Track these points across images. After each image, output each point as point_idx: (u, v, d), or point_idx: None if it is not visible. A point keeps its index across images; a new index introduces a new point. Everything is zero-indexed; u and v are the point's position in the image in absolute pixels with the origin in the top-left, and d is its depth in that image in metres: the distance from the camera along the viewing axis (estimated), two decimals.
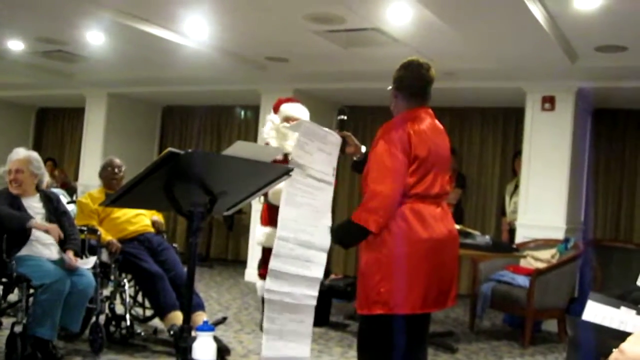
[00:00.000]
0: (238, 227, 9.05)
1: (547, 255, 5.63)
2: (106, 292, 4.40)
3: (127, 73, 7.88)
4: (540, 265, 5.49)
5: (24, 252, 3.83)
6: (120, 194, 2.11)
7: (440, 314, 6.14)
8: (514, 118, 7.50)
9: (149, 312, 4.79)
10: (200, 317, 3.98)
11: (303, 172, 2.59)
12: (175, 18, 5.38)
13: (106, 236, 4.35)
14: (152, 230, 4.68)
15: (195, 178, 2.11)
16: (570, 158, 6.12)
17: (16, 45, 6.81)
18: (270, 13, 5.06)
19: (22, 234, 3.82)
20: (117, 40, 6.24)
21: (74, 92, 9.04)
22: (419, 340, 2.83)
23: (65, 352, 3.98)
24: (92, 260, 4.09)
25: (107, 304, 4.34)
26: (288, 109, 4.98)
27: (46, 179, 4.24)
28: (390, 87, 2.91)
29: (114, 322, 4.36)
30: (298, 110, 4.97)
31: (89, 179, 8.48)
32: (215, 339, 2.45)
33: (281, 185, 2.58)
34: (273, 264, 2.57)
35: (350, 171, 3.27)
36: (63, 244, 3.98)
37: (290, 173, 2.46)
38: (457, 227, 4.92)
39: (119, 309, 4.45)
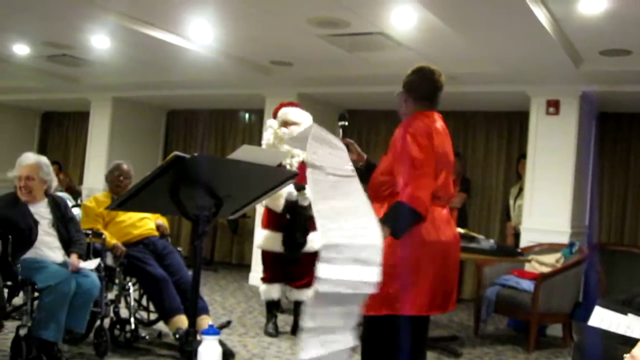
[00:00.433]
0: (242, 231, 9.05)
1: (552, 260, 5.62)
2: (111, 295, 4.40)
3: (132, 77, 7.90)
4: (545, 269, 5.48)
5: (28, 255, 3.84)
6: (126, 197, 2.12)
7: (444, 318, 6.13)
8: (518, 122, 7.49)
9: (153, 316, 4.79)
10: (205, 321, 3.99)
11: (322, 172, 2.46)
12: (180, 22, 5.40)
13: (111, 240, 4.36)
14: (156, 234, 4.68)
15: (201, 182, 2.12)
16: (575, 162, 6.10)
17: (22, 49, 6.83)
18: (274, 17, 5.07)
19: (27, 238, 3.83)
20: (122, 44, 6.26)
21: (79, 96, 9.07)
22: (421, 343, 2.83)
23: (70, 355, 3.99)
24: (95, 261, 4.08)
25: (111, 308, 4.34)
26: (286, 112, 5.00)
27: (55, 184, 4.22)
28: (397, 93, 2.93)
29: (118, 326, 4.37)
30: (296, 114, 4.98)
31: (93, 182, 8.50)
32: (220, 342, 2.45)
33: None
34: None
35: None
36: (68, 248, 3.99)
37: (309, 175, 2.27)
38: (461, 230, 4.95)
39: (124, 312, 4.45)
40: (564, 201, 6.08)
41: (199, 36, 5.77)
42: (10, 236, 3.76)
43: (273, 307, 5.20)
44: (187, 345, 2.17)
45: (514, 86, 6.29)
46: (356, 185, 2.43)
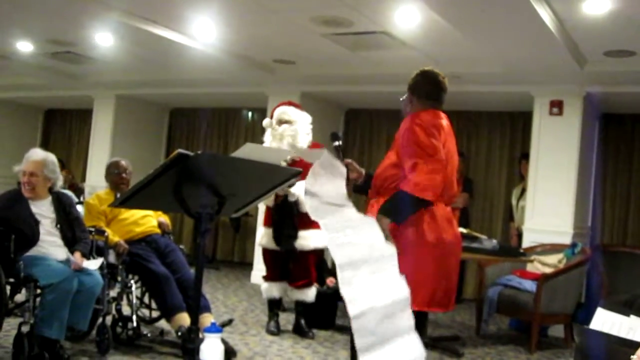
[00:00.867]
0: (244, 229, 9.06)
1: (554, 260, 5.61)
2: (113, 293, 4.40)
3: (135, 75, 7.91)
4: (547, 270, 5.47)
5: (31, 252, 3.83)
6: (129, 194, 2.12)
7: (446, 318, 6.13)
8: (521, 122, 7.48)
9: (155, 314, 4.80)
10: (207, 319, 3.99)
11: (320, 199, 2.51)
12: (184, 20, 5.40)
13: (114, 237, 4.36)
14: (158, 231, 4.69)
15: (204, 180, 2.12)
16: (578, 162, 6.09)
17: (25, 47, 6.84)
18: (278, 15, 5.07)
19: (28, 238, 3.83)
20: (125, 42, 6.26)
21: (82, 93, 9.07)
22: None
23: (72, 352, 3.99)
24: (97, 262, 4.06)
25: (113, 305, 4.34)
26: (282, 111, 5.01)
27: (60, 182, 4.18)
28: (402, 98, 2.97)
29: (120, 323, 4.37)
30: (291, 113, 5.00)
31: (96, 180, 8.49)
32: (222, 340, 2.45)
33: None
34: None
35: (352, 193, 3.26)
36: (72, 246, 3.99)
37: (306, 198, 2.30)
38: (464, 230, 4.95)
39: (126, 310, 4.45)
40: (567, 201, 6.07)
41: (203, 34, 5.77)
42: (12, 234, 3.76)
43: (274, 306, 5.21)
44: (189, 343, 2.17)
45: (518, 86, 6.28)
46: (353, 212, 2.48)
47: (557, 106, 6.17)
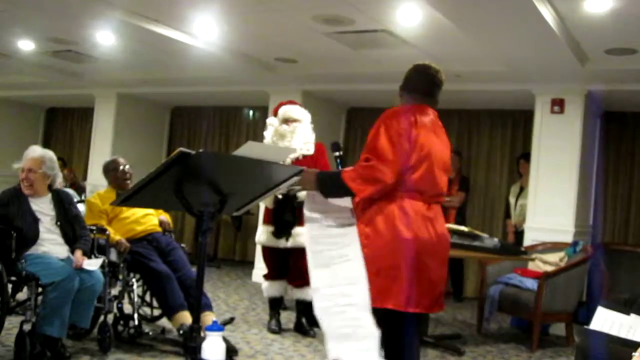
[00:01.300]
0: (246, 228, 9.06)
1: (556, 259, 5.61)
2: (114, 291, 4.40)
3: (137, 73, 7.91)
4: (549, 268, 5.47)
5: (32, 250, 3.84)
6: (131, 193, 2.12)
7: (447, 317, 6.14)
8: (522, 121, 7.47)
9: (156, 312, 4.81)
10: (208, 317, 3.99)
11: (321, 225, 2.57)
12: (185, 19, 5.40)
13: (115, 236, 4.36)
14: (160, 230, 4.69)
15: (205, 178, 2.12)
16: (580, 161, 6.08)
17: (27, 45, 6.84)
18: (279, 14, 5.07)
19: (28, 236, 3.83)
20: (126, 41, 6.26)
21: (83, 92, 9.08)
22: (398, 339, 2.79)
23: (73, 350, 3.99)
24: (98, 261, 4.05)
25: (115, 304, 4.34)
26: (288, 110, 5.00)
27: (59, 179, 4.18)
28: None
29: (122, 322, 4.37)
30: (297, 111, 5.00)
31: (97, 178, 8.47)
32: (223, 339, 2.46)
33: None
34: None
35: None
36: (73, 244, 3.99)
37: (307, 228, 2.46)
38: (465, 229, 4.95)
39: (127, 308, 4.46)
40: (568, 200, 6.06)
41: (204, 33, 5.77)
42: (13, 232, 3.77)
43: (276, 304, 5.21)
44: (191, 341, 2.17)
45: (519, 84, 6.27)
46: (354, 237, 2.62)
47: (558, 104, 6.17)
